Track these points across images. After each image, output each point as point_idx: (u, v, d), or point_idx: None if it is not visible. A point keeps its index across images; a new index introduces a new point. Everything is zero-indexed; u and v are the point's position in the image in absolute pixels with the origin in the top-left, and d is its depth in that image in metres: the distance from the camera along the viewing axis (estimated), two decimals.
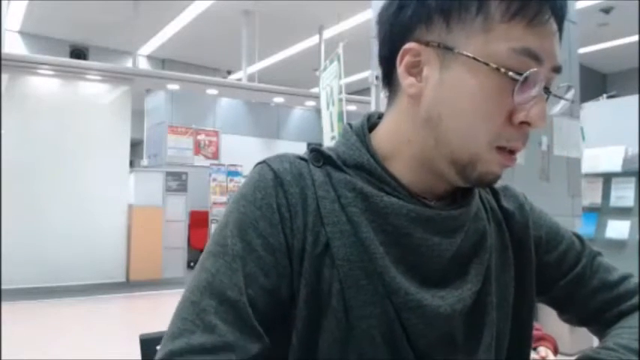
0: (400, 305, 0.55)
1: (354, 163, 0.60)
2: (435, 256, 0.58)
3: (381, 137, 0.62)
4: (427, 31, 0.55)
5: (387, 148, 0.61)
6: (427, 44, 0.55)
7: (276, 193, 0.57)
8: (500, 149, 0.55)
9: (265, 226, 0.56)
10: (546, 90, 0.55)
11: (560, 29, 0.56)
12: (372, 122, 0.66)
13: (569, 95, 0.59)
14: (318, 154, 0.61)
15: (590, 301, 0.70)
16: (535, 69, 0.52)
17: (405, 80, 0.57)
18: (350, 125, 0.65)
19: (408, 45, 0.56)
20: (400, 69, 0.57)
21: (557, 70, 0.55)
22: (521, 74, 0.51)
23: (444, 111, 0.55)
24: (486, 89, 0.53)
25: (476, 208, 0.63)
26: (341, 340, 0.54)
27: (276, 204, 0.56)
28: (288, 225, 0.56)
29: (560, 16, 0.55)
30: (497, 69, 0.52)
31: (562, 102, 0.59)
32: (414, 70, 0.57)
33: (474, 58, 0.52)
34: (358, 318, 0.54)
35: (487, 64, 0.52)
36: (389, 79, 0.61)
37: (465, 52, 0.53)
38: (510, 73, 0.51)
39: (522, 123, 0.54)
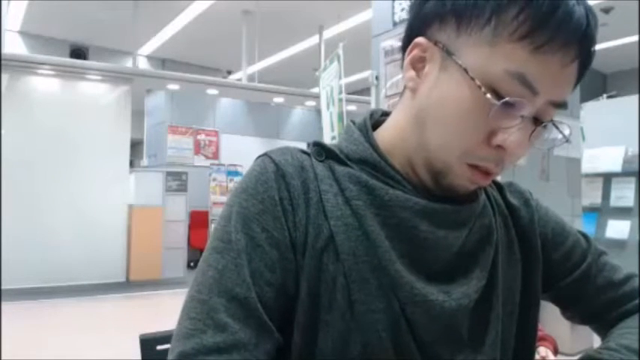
0: (405, 300, 0.55)
1: (357, 158, 0.59)
2: (441, 250, 0.58)
3: (384, 133, 0.62)
4: (439, 30, 0.55)
5: (388, 142, 0.61)
6: (435, 43, 0.55)
7: (278, 186, 0.56)
8: (474, 166, 0.54)
9: (269, 219, 0.55)
10: (538, 121, 0.53)
11: (583, 60, 0.52)
12: (376, 119, 0.66)
13: (565, 132, 0.56)
14: (320, 149, 0.61)
15: (595, 299, 0.69)
16: (517, 99, 0.50)
17: (407, 73, 0.57)
18: (353, 122, 0.65)
19: (418, 39, 0.56)
20: (406, 60, 0.57)
21: (556, 105, 0.53)
22: (502, 98, 0.50)
23: (430, 114, 0.55)
24: (470, 103, 0.52)
25: (482, 203, 0.63)
26: (345, 335, 0.54)
27: (278, 197, 0.56)
28: (290, 218, 0.55)
29: (583, 45, 0.51)
30: (479, 87, 0.50)
31: (557, 135, 0.56)
32: (419, 65, 0.56)
33: (465, 70, 0.51)
34: (363, 312, 0.54)
35: (473, 79, 0.51)
36: None
37: (459, 61, 0.52)
38: (488, 96, 0.50)
39: (499, 146, 0.53)
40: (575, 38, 0.50)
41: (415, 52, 0.56)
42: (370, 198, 0.57)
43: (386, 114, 0.67)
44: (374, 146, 0.60)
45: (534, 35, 0.49)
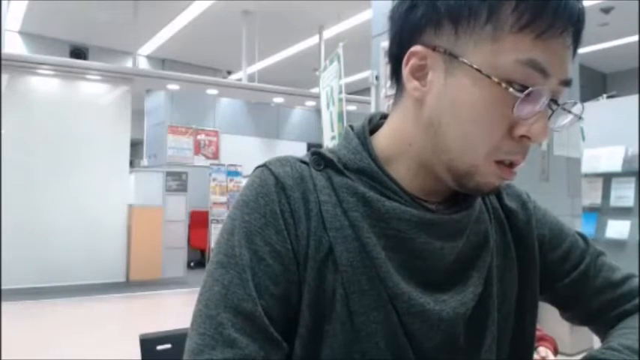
0: (403, 310, 0.55)
1: (355, 168, 0.59)
2: (438, 261, 0.58)
3: (383, 139, 0.62)
4: (435, 35, 0.54)
5: (388, 150, 0.60)
6: (434, 49, 0.54)
7: (279, 199, 0.56)
8: (499, 162, 0.55)
9: (271, 233, 0.55)
10: (554, 102, 0.54)
11: (577, 41, 0.54)
12: (375, 123, 0.65)
13: (576, 110, 0.57)
14: (318, 158, 0.61)
15: (594, 300, 0.69)
16: (538, 87, 0.51)
17: (410, 84, 0.56)
18: (351, 127, 0.64)
19: (415, 48, 0.55)
20: (405, 71, 0.56)
21: (566, 83, 0.54)
22: (523, 89, 0.50)
23: (444, 118, 0.54)
24: (488, 101, 0.52)
25: (478, 209, 0.63)
26: (345, 345, 0.54)
27: (279, 210, 0.56)
28: (292, 231, 0.56)
29: (577, 29, 0.53)
30: (499, 83, 0.50)
31: (569, 116, 0.58)
32: (419, 73, 0.56)
33: (478, 70, 0.51)
34: (362, 323, 0.54)
35: (489, 77, 0.51)
36: (397, 76, 0.60)
37: (468, 62, 0.52)
38: (511, 90, 0.50)
39: (523, 137, 0.53)
40: (571, 21, 0.52)
41: (413, 61, 0.56)
42: (367, 209, 0.57)
43: (385, 117, 0.66)
44: (372, 156, 0.60)
45: (535, 24, 0.50)
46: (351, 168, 0.60)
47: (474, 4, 0.51)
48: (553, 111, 0.54)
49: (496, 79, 0.51)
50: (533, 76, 0.51)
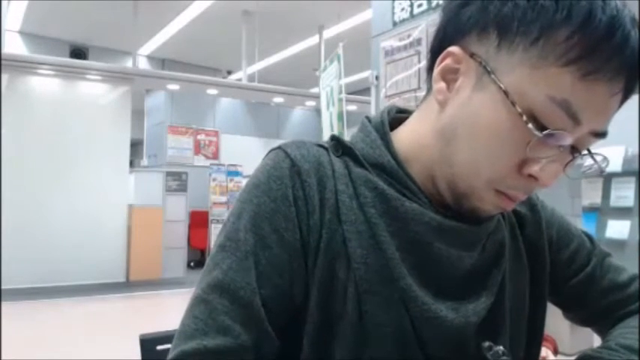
0: (416, 314, 0.53)
1: (374, 163, 0.56)
2: (454, 269, 0.56)
3: (403, 135, 0.59)
4: (477, 42, 0.50)
5: (406, 149, 0.57)
6: (472, 55, 0.50)
7: (293, 184, 0.53)
8: (499, 192, 0.51)
9: (281, 220, 0.52)
10: (575, 149, 0.49)
11: (628, 90, 0.49)
12: (392, 117, 0.62)
13: (603, 166, 0.52)
14: (337, 144, 0.58)
15: (600, 301, 0.68)
16: (561, 131, 0.46)
17: (437, 84, 0.53)
18: (368, 119, 0.61)
19: (453, 48, 0.51)
20: (436, 70, 0.53)
21: (597, 135, 0.49)
22: (544, 128, 0.46)
23: (459, 131, 0.51)
24: (505, 128, 0.48)
25: (496, 219, 0.60)
26: (354, 346, 0.52)
27: (292, 196, 0.53)
28: (304, 220, 0.52)
29: (631, 76, 0.47)
30: (521, 114, 0.46)
31: (592, 165, 0.52)
32: (450, 76, 0.52)
33: (505, 93, 0.47)
34: (372, 325, 0.52)
35: (514, 105, 0.47)
36: (432, 73, 0.55)
37: (499, 82, 0.48)
38: (530, 125, 0.46)
39: (531, 176, 0.49)
40: (626, 68, 0.46)
41: (447, 61, 0.52)
42: (384, 207, 0.54)
43: (401, 111, 0.64)
44: (392, 152, 0.57)
45: (583, 62, 0.45)
46: (370, 162, 0.56)
47: (527, 19, 0.46)
48: (573, 158, 0.50)
49: (519, 109, 0.46)
50: (563, 119, 0.46)
